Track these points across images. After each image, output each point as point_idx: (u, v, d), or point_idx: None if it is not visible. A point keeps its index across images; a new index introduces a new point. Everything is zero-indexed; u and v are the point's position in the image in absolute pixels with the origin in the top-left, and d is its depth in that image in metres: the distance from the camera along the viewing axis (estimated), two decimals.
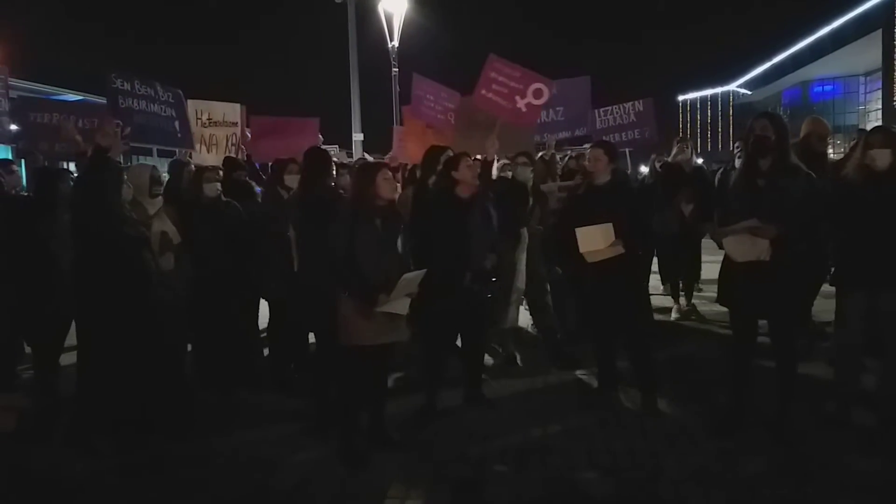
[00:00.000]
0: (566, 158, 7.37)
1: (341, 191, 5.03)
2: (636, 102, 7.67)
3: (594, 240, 4.31)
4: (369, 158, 9.47)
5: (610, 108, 7.83)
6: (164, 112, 6.12)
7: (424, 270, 3.92)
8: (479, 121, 6.40)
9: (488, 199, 4.65)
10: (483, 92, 6.08)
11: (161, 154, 6.50)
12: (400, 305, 3.83)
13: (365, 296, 3.73)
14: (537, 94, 6.02)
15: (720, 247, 3.99)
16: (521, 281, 5.47)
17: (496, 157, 6.18)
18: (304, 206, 4.30)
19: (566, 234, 4.43)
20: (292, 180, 5.10)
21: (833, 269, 4.28)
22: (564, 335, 5.85)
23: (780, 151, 3.79)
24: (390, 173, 4.02)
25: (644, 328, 4.64)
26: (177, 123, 6.28)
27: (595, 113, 7.85)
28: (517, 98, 5.99)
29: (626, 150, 7.87)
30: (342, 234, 3.75)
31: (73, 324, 4.82)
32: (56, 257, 4.53)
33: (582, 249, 4.35)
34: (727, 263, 4.04)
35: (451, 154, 4.82)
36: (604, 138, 7.57)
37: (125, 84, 5.77)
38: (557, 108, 7.41)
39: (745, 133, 4.06)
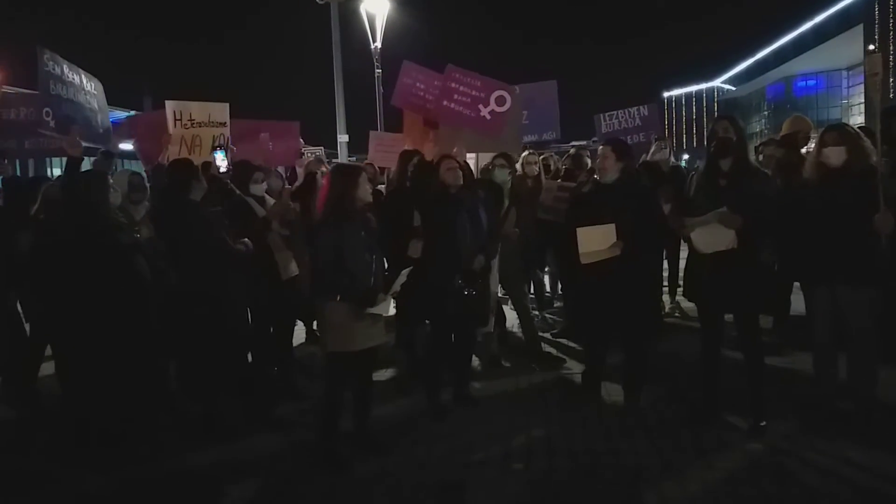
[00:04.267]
0: (564, 157, 7.41)
1: None
2: (641, 107, 7.74)
3: (595, 240, 4.27)
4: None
5: (615, 112, 7.89)
6: (89, 104, 5.54)
7: (410, 268, 3.96)
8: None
9: (479, 200, 4.66)
10: (445, 103, 6.11)
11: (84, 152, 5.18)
12: (384, 307, 3.86)
13: (360, 298, 3.73)
14: (500, 101, 6.08)
15: (685, 240, 4.08)
16: (494, 283, 5.49)
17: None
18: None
19: (569, 232, 4.38)
20: (258, 189, 5.10)
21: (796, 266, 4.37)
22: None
23: (740, 153, 3.93)
24: (367, 176, 4.03)
25: (644, 331, 4.60)
26: (99, 117, 5.66)
27: (600, 117, 7.94)
28: (480, 107, 6.04)
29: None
30: (331, 238, 3.74)
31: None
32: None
33: (582, 250, 4.30)
34: (691, 260, 4.16)
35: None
36: None
37: (56, 68, 5.15)
38: (522, 112, 7.39)
39: (708, 135, 4.13)
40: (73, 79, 5.32)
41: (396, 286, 3.87)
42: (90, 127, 5.26)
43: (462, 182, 4.57)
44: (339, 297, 3.74)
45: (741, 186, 3.84)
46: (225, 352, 4.30)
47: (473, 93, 6.08)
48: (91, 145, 5.28)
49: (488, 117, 6.09)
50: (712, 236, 3.87)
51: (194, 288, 4.16)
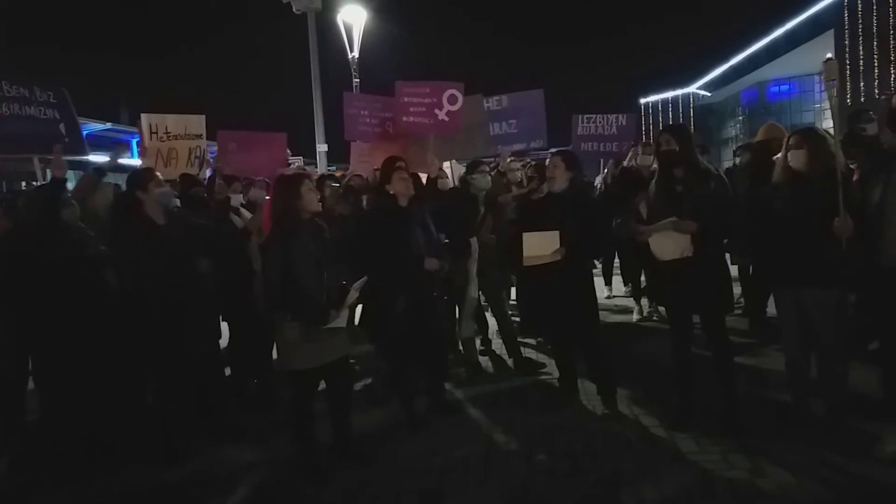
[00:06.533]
0: (526, 167, 7.44)
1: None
2: (619, 116, 7.75)
3: (539, 245, 4.38)
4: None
5: (593, 116, 7.84)
6: (44, 114, 5.28)
7: (365, 278, 3.89)
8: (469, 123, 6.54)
9: (427, 212, 4.66)
10: (404, 119, 6.26)
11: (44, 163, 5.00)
12: (341, 319, 3.79)
13: (313, 315, 3.64)
14: (452, 99, 6.24)
15: (646, 247, 4.17)
16: (473, 290, 5.52)
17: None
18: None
19: (517, 237, 4.47)
20: (236, 199, 5.08)
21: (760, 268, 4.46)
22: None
23: (689, 160, 4.03)
24: (312, 184, 3.97)
25: (595, 331, 4.67)
26: (62, 126, 5.38)
27: (578, 118, 7.89)
28: (436, 111, 6.20)
29: (601, 159, 8.02)
30: (276, 255, 3.62)
31: None
32: None
33: (525, 253, 4.41)
34: (655, 263, 4.24)
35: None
36: (582, 145, 7.67)
37: None
38: (511, 121, 7.42)
39: (654, 148, 4.23)
40: (17, 92, 5.14)
41: (350, 300, 3.79)
42: (48, 137, 4.96)
43: (413, 192, 4.56)
44: (290, 317, 3.64)
45: (698, 190, 3.95)
46: (188, 370, 4.22)
47: (426, 100, 6.24)
48: (46, 156, 4.92)
49: (447, 119, 6.24)
50: (668, 244, 3.99)
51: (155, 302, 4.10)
